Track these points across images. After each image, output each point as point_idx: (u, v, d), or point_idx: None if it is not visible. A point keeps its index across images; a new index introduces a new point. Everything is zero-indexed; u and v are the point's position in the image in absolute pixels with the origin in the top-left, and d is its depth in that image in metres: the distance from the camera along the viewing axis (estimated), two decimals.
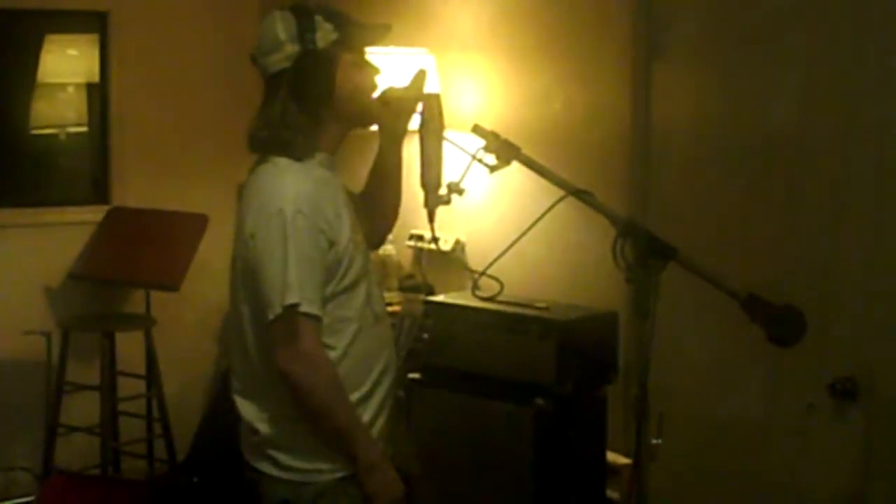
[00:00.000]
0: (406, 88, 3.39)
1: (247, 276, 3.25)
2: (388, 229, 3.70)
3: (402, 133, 3.46)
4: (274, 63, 3.26)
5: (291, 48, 3.24)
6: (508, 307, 4.25)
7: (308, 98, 3.25)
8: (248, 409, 3.34)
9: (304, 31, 3.24)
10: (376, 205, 3.56)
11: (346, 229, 3.28)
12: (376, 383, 3.36)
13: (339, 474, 3.27)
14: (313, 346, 3.18)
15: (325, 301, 3.21)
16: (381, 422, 3.39)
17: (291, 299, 3.12)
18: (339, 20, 3.29)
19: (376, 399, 3.37)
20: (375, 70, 3.39)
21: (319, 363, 3.19)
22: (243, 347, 3.33)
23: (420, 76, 3.42)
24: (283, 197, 3.18)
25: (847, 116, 3.94)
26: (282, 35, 3.24)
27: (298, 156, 3.26)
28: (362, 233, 3.40)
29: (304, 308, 3.13)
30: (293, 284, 3.12)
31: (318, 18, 3.25)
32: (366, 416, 3.32)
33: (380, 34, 3.44)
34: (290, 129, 3.25)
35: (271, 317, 3.14)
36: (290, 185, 3.21)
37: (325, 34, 3.25)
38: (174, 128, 6.61)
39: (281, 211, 3.15)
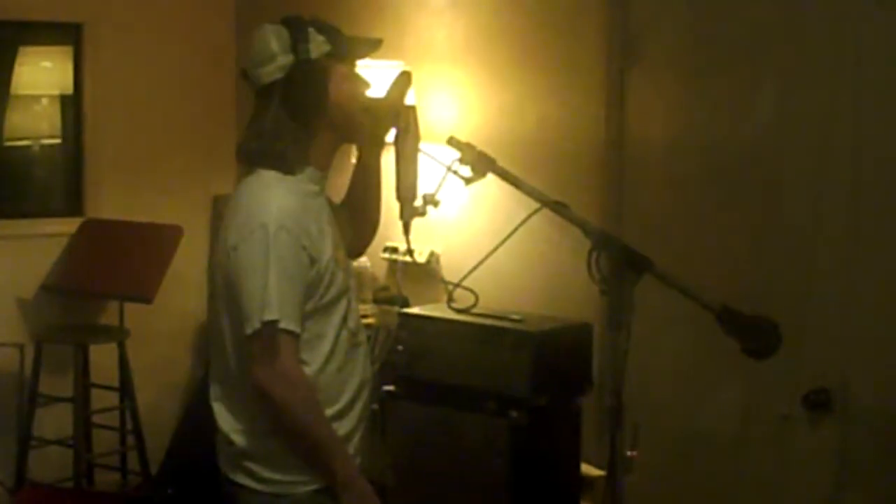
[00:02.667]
0: (386, 96, 3.39)
1: (227, 288, 3.24)
2: (370, 238, 3.70)
3: (382, 141, 3.47)
4: (266, 74, 3.25)
5: (284, 59, 3.24)
6: (483, 319, 4.25)
7: (300, 108, 3.25)
8: (225, 419, 3.33)
9: (297, 41, 3.24)
10: (358, 214, 3.56)
11: (328, 246, 3.28)
12: (353, 399, 3.36)
13: (316, 486, 3.26)
14: (290, 363, 3.17)
15: (304, 318, 3.21)
16: (357, 437, 3.39)
17: (270, 315, 3.11)
18: (331, 32, 3.30)
19: (353, 414, 3.36)
20: (366, 84, 3.40)
21: (296, 380, 3.19)
22: (223, 357, 3.32)
23: (402, 80, 3.41)
24: (267, 212, 3.17)
25: (823, 129, 3.96)
26: (274, 46, 3.24)
27: (289, 168, 3.25)
28: (344, 248, 3.41)
29: (282, 324, 3.12)
30: (273, 300, 3.11)
31: (311, 30, 3.26)
32: (342, 431, 3.31)
33: (371, 47, 3.45)
34: (282, 140, 3.25)
35: (249, 331, 3.13)
36: (275, 199, 3.20)
37: (317, 45, 3.25)
38: (148, 140, 6.59)
39: (264, 226, 3.14)
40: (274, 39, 3.25)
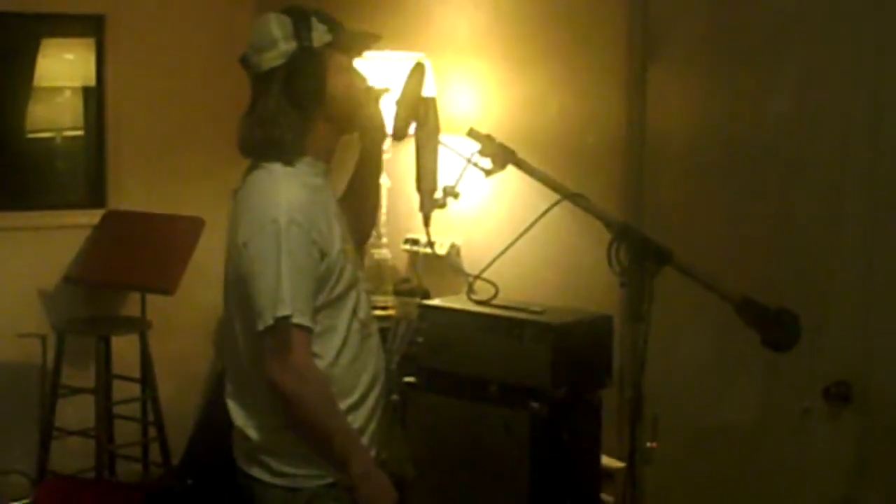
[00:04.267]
0: (403, 88, 3.39)
1: (238, 284, 3.25)
2: (372, 227, 3.73)
3: (382, 135, 3.48)
4: (268, 60, 3.26)
5: (286, 45, 3.25)
6: (503, 311, 4.24)
7: (301, 95, 3.26)
8: (239, 415, 3.35)
9: (300, 29, 3.26)
10: (359, 205, 3.58)
11: (337, 240, 3.28)
12: (366, 391, 3.37)
13: (330, 480, 3.27)
14: (304, 358, 3.18)
15: (315, 311, 3.22)
16: (371, 428, 3.40)
17: (284, 311, 3.11)
18: (333, 23, 3.31)
19: (367, 406, 3.37)
20: (362, 78, 3.41)
21: (309, 375, 3.19)
22: (236, 353, 3.34)
23: (417, 71, 3.41)
24: (278, 206, 3.18)
25: (842, 122, 3.95)
26: (277, 33, 3.26)
27: (289, 157, 3.26)
28: (351, 241, 3.41)
29: (295, 319, 3.13)
30: (286, 295, 3.11)
31: (314, 19, 3.28)
32: (356, 423, 3.32)
33: (370, 41, 3.47)
34: (282, 127, 3.26)
35: (262, 327, 3.13)
36: (285, 193, 3.21)
37: (320, 35, 3.27)
38: (170, 131, 6.61)
39: (275, 220, 3.15)
40: (276, 26, 3.27)
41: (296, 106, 3.27)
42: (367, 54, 3.44)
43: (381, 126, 3.48)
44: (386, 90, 3.46)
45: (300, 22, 3.27)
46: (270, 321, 3.12)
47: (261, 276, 3.15)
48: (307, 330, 3.17)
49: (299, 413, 3.19)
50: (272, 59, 3.26)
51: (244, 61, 3.34)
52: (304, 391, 3.17)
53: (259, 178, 3.29)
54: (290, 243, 3.14)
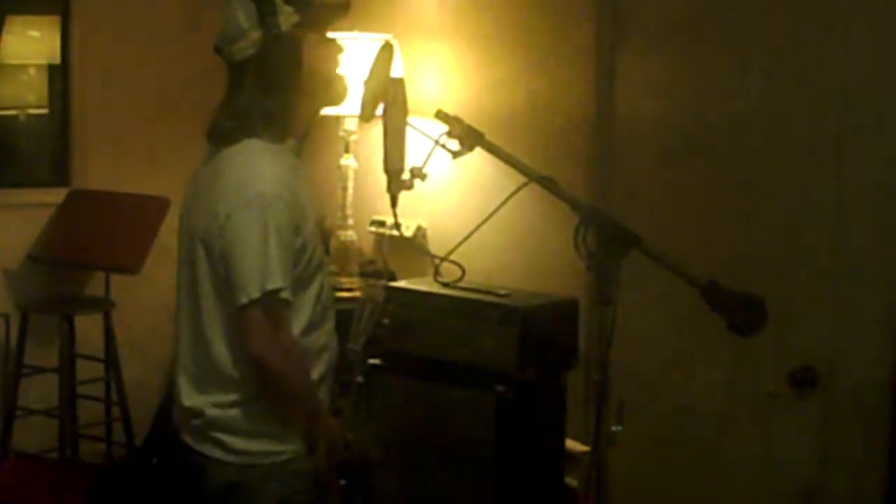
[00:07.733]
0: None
1: (217, 260, 3.22)
2: None
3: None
4: (239, 51, 3.25)
5: (255, 34, 3.23)
6: (470, 293, 4.24)
7: (276, 84, 3.26)
8: (191, 393, 3.34)
9: (265, 15, 3.23)
10: None
11: (310, 219, 3.29)
12: (325, 372, 3.39)
13: (287, 456, 3.28)
14: (289, 333, 3.20)
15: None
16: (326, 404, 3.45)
17: (274, 284, 3.11)
18: (299, 2, 3.28)
19: (324, 388, 3.40)
20: (339, 48, 3.40)
21: (294, 349, 3.22)
22: (202, 338, 3.30)
23: (385, 52, 3.39)
24: (262, 180, 3.18)
25: (811, 106, 3.96)
26: (244, 22, 3.23)
27: (271, 140, 3.26)
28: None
29: (284, 294, 3.13)
30: (275, 269, 3.11)
31: (278, 2, 3.25)
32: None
33: (341, 12, 3.45)
34: (252, 117, 3.26)
35: (245, 300, 3.11)
36: (268, 168, 3.21)
37: (287, 17, 3.24)
38: (136, 110, 6.56)
39: (261, 194, 3.14)
40: (242, 15, 3.24)
41: (273, 94, 3.27)
42: (335, 35, 3.42)
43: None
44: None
45: (265, 7, 3.24)
46: (256, 294, 3.11)
47: (247, 249, 3.14)
48: (290, 304, 3.18)
49: (282, 388, 3.21)
50: (243, 49, 3.25)
51: (218, 51, 3.33)
52: (290, 365, 3.20)
53: (238, 153, 3.26)
54: (277, 217, 3.14)
